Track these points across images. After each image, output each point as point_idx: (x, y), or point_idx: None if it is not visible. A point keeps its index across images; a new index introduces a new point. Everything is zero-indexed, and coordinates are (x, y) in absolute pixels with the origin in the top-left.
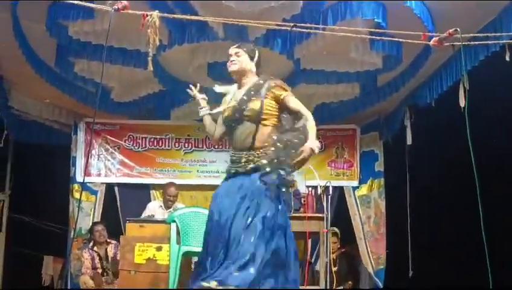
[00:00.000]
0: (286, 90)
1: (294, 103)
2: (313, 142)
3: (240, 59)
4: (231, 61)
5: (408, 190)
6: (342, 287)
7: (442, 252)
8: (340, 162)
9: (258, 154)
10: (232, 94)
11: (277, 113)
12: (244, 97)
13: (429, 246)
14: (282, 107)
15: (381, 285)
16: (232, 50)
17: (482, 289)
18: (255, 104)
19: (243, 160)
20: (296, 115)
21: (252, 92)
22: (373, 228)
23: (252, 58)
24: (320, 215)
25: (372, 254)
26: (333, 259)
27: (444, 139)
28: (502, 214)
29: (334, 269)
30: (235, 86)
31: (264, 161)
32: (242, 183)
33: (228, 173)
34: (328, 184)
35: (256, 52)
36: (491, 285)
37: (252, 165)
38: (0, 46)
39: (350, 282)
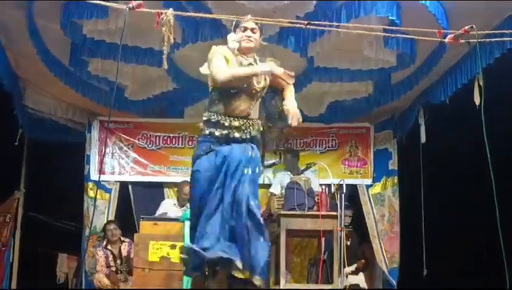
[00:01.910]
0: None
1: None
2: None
3: (256, 36)
4: (248, 37)
5: (422, 188)
6: (355, 266)
7: (457, 251)
8: (353, 160)
9: (253, 124)
10: (231, 58)
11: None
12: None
13: (444, 245)
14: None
15: (395, 284)
16: (250, 24)
17: (497, 289)
18: (265, 82)
19: (243, 127)
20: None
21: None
22: (387, 227)
23: (260, 36)
24: (334, 213)
25: (386, 253)
26: (346, 234)
27: (458, 137)
28: None
29: (347, 242)
30: (231, 49)
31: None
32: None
33: (226, 139)
34: (341, 182)
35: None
36: (507, 285)
37: (252, 133)
38: (16, 45)
39: (363, 260)
